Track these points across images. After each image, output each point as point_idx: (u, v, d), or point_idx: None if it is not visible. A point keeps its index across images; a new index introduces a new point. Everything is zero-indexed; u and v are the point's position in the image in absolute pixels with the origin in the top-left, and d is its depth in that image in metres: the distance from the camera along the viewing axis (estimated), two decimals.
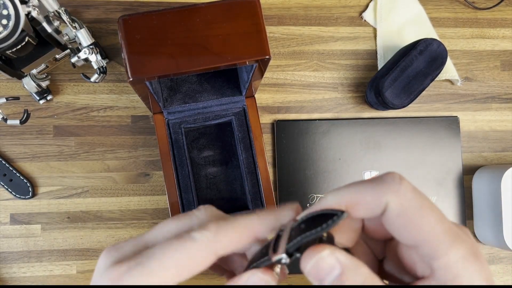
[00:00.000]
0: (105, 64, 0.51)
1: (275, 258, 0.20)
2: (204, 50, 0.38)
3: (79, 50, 0.49)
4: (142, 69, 0.37)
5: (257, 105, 0.56)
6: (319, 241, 0.20)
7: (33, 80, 0.52)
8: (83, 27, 0.49)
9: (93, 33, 0.57)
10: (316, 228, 0.19)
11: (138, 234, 0.25)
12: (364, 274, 0.19)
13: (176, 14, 0.38)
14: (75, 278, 0.55)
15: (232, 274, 0.25)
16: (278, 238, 0.21)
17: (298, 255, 0.20)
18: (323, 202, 0.21)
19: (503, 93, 0.63)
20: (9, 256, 0.55)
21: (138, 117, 0.58)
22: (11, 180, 0.55)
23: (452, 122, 0.61)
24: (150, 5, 0.59)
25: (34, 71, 0.52)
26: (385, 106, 0.56)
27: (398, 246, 0.22)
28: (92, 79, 0.51)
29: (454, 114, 0.62)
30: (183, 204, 0.54)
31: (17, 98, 0.51)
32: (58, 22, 0.44)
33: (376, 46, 0.62)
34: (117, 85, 0.58)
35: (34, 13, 0.40)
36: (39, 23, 0.41)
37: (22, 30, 0.38)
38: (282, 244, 0.20)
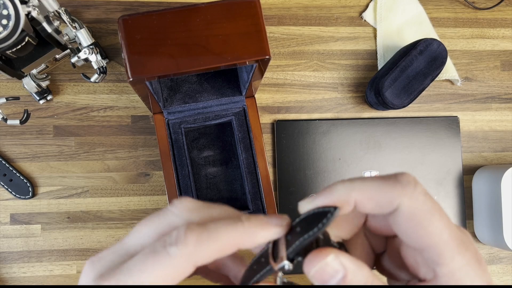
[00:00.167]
0: (105, 64, 0.51)
1: (277, 266, 0.20)
2: (204, 50, 0.38)
3: (79, 50, 0.49)
4: (142, 69, 0.37)
5: (257, 105, 0.56)
6: (316, 240, 0.20)
7: (33, 80, 0.52)
8: (83, 27, 0.49)
9: (93, 33, 0.57)
10: (313, 230, 0.19)
11: (118, 240, 0.25)
12: (366, 275, 0.19)
13: (176, 14, 0.38)
14: (75, 278, 0.55)
15: (227, 279, 0.25)
16: (274, 245, 0.21)
17: (300, 258, 0.20)
18: (333, 189, 0.21)
19: (503, 93, 0.63)
20: (9, 256, 0.55)
21: (138, 117, 0.58)
22: (11, 180, 0.55)
23: (452, 122, 0.61)
24: (150, 5, 0.59)
25: (34, 71, 0.52)
26: (385, 106, 0.56)
27: (401, 245, 0.22)
28: (92, 79, 0.51)
29: (454, 114, 0.62)
30: None
31: (17, 98, 0.51)
32: (58, 22, 0.44)
33: (376, 46, 0.62)
34: (117, 85, 0.58)
35: (34, 13, 0.40)
36: (39, 23, 0.41)
37: (22, 30, 0.38)
38: (282, 251, 0.20)
